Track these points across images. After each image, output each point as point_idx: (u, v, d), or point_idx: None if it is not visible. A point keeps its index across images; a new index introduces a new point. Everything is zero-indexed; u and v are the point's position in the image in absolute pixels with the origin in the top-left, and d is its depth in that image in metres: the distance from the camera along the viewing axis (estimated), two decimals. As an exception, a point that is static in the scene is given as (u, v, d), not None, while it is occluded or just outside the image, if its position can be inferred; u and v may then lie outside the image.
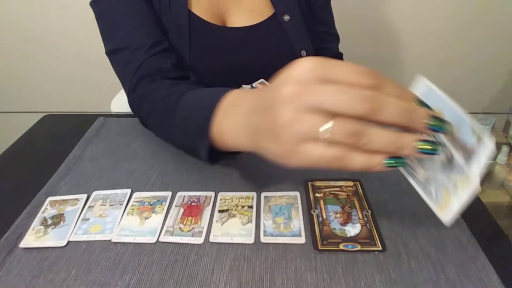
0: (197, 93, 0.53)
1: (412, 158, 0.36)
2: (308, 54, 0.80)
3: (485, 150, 0.32)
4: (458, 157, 0.33)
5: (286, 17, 0.77)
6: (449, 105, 0.34)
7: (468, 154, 0.33)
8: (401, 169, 0.34)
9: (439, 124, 0.33)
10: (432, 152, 0.33)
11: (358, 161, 0.33)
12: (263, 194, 0.52)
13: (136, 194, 0.53)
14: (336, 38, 0.91)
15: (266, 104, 0.35)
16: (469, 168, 0.33)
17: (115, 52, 0.67)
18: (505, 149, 1.24)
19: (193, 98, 0.52)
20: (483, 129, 0.32)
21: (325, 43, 0.88)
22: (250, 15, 0.76)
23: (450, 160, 0.34)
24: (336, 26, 0.90)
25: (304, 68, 0.33)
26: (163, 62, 0.64)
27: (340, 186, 0.53)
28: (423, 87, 0.36)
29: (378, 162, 0.33)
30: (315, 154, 0.32)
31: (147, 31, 0.67)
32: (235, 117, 0.41)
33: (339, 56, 0.93)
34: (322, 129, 0.31)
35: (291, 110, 0.32)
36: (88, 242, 0.45)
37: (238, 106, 0.41)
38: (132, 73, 0.64)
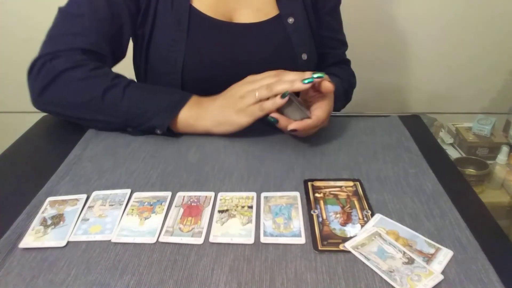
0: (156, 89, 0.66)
1: (374, 255, 0.42)
2: (309, 58, 0.80)
3: (446, 254, 0.42)
4: (418, 259, 0.42)
5: (291, 20, 0.77)
6: (402, 228, 0.46)
7: (427, 256, 0.42)
8: (366, 261, 0.42)
9: (319, 74, 0.57)
10: (309, 81, 0.57)
11: (269, 103, 0.58)
12: (263, 194, 0.52)
13: (136, 194, 0.53)
14: (342, 44, 0.90)
15: (231, 95, 0.63)
16: (430, 266, 0.41)
17: (66, 16, 0.69)
18: (505, 149, 1.24)
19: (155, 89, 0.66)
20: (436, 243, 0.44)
21: (330, 49, 0.88)
22: (256, 14, 0.77)
23: (411, 261, 0.41)
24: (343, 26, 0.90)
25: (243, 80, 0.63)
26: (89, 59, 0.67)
27: (340, 186, 0.53)
28: (378, 218, 0.48)
29: (277, 99, 0.57)
30: (254, 108, 0.59)
31: (100, 31, 0.69)
32: (206, 111, 0.63)
33: (345, 62, 0.92)
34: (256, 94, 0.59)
35: (242, 94, 0.61)
36: (87, 243, 0.45)
37: (205, 105, 0.64)
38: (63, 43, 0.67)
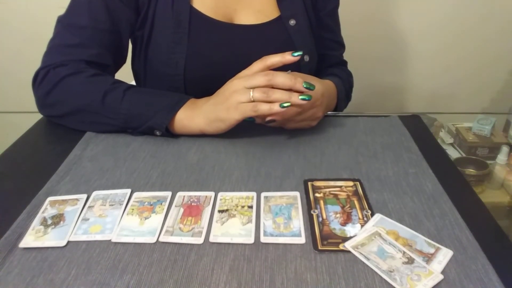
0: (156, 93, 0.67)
1: (374, 255, 0.42)
2: (311, 60, 0.80)
3: (445, 254, 0.42)
4: (418, 259, 0.42)
5: (292, 22, 0.77)
6: (402, 227, 0.46)
7: (427, 256, 0.42)
8: (366, 261, 0.42)
9: (310, 86, 0.60)
10: (308, 99, 0.58)
11: (264, 106, 0.58)
12: (263, 194, 0.52)
13: (136, 194, 0.53)
14: (340, 45, 0.91)
15: (222, 92, 0.63)
16: (430, 266, 0.41)
17: (67, 27, 0.70)
18: (505, 149, 1.24)
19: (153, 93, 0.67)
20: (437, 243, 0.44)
21: (329, 50, 0.88)
22: (257, 16, 0.76)
23: (411, 261, 0.41)
24: (341, 28, 0.90)
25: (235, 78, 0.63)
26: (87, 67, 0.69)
27: (340, 186, 0.53)
28: (378, 218, 0.48)
29: (276, 106, 0.57)
30: (246, 107, 0.59)
31: (102, 38, 0.70)
32: (199, 110, 0.64)
33: (343, 63, 0.93)
34: (250, 93, 0.59)
35: (235, 89, 0.60)
36: (88, 242, 0.45)
37: (199, 104, 0.65)
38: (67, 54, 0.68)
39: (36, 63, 0.70)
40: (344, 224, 0.47)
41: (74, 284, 0.40)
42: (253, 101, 0.59)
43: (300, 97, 0.58)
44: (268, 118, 0.61)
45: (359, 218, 0.48)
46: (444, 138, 1.40)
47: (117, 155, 0.61)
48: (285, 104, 0.57)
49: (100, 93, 0.63)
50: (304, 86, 0.59)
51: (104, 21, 0.69)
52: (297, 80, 0.59)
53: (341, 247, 0.44)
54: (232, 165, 0.58)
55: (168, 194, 0.52)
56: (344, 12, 0.88)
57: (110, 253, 0.44)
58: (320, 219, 0.48)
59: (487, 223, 0.48)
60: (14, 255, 0.44)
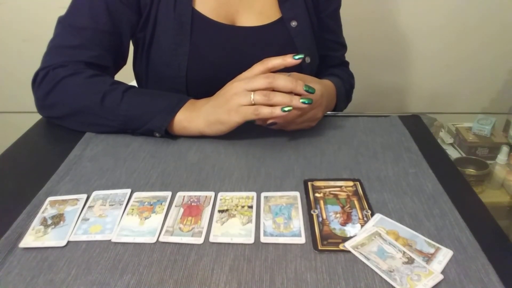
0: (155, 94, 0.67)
1: (374, 255, 0.42)
2: (312, 61, 0.80)
3: (445, 254, 0.43)
4: (418, 259, 0.42)
5: (293, 23, 0.77)
6: (402, 227, 0.46)
7: (427, 256, 0.42)
8: (366, 261, 0.42)
9: (310, 89, 0.60)
10: (308, 102, 0.58)
11: (266, 110, 0.57)
12: (263, 194, 0.52)
13: (136, 194, 0.53)
14: (342, 46, 0.91)
15: (223, 94, 0.62)
16: (430, 266, 0.41)
17: (67, 27, 0.70)
18: (505, 149, 1.24)
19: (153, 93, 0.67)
20: (437, 243, 0.44)
21: (331, 51, 0.88)
22: (258, 17, 0.76)
23: (411, 261, 0.42)
24: (342, 27, 0.90)
25: (236, 80, 0.63)
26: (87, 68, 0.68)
27: (340, 186, 0.53)
28: (378, 218, 0.48)
29: (277, 110, 0.57)
30: (247, 110, 0.58)
31: (102, 39, 0.70)
32: (198, 112, 0.63)
33: (344, 64, 0.93)
34: (251, 96, 0.58)
35: (236, 91, 0.60)
36: (88, 242, 0.45)
37: (198, 106, 0.64)
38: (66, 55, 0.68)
39: (36, 63, 0.70)
40: (344, 224, 0.47)
41: (74, 284, 0.40)
42: (254, 104, 0.58)
43: (301, 100, 0.58)
44: (269, 121, 0.60)
45: (359, 218, 0.48)
46: (444, 138, 1.40)
47: (117, 155, 0.61)
48: (287, 108, 0.57)
49: (99, 95, 0.63)
50: (305, 89, 0.59)
51: (104, 23, 0.69)
52: (298, 83, 0.59)
53: (341, 247, 0.44)
54: (232, 165, 0.58)
55: (168, 194, 0.52)
56: (345, 13, 0.88)
57: (110, 253, 0.44)
58: (320, 219, 0.48)
59: (487, 223, 0.48)
60: (14, 255, 0.44)
